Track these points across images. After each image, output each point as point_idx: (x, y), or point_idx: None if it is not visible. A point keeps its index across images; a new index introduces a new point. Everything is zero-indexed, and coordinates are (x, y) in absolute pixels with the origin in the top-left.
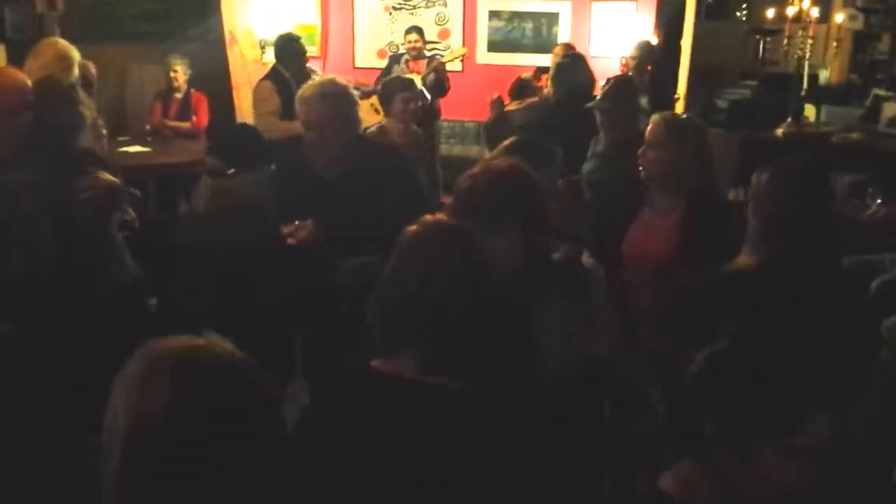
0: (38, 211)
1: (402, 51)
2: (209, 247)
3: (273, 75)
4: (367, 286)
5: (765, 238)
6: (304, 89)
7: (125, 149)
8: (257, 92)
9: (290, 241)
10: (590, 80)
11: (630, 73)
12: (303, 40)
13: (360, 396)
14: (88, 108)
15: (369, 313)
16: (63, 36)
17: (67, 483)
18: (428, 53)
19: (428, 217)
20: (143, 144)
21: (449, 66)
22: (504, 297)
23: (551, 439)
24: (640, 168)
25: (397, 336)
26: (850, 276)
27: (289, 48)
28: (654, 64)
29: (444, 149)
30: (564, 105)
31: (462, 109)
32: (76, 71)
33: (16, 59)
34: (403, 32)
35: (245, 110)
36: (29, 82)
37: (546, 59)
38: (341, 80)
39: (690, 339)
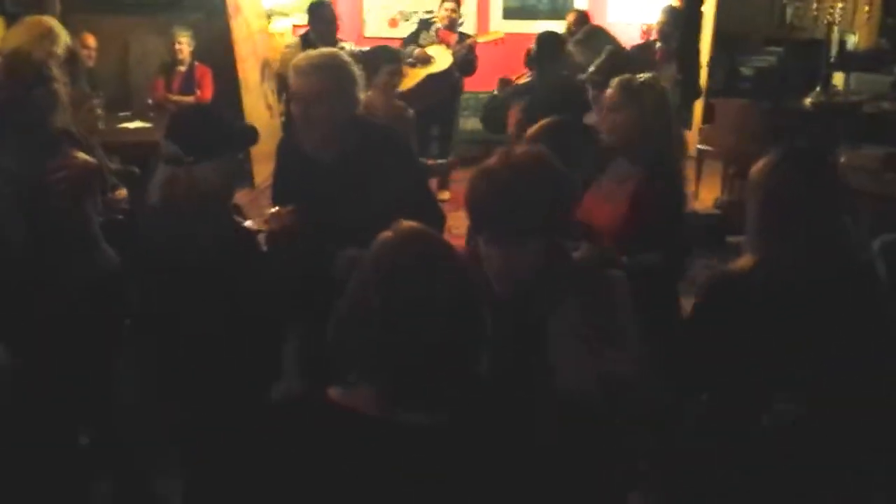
0: (8, 195)
1: (417, 18)
2: (168, 239)
3: (303, 37)
4: None
5: (763, 235)
6: (299, 59)
7: (126, 124)
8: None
9: (265, 226)
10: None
11: (653, 40)
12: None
13: (311, 433)
14: (65, 85)
15: (329, 333)
16: (63, 8)
17: (61, 482)
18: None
19: (404, 223)
20: (144, 120)
21: None
22: (513, 309)
23: (557, 468)
24: (603, 133)
25: (356, 363)
26: (887, 256)
27: (318, 13)
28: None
29: (458, 122)
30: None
31: (477, 81)
32: (60, 51)
33: None
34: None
35: (250, 83)
36: None
37: (563, 27)
38: (343, 54)
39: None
